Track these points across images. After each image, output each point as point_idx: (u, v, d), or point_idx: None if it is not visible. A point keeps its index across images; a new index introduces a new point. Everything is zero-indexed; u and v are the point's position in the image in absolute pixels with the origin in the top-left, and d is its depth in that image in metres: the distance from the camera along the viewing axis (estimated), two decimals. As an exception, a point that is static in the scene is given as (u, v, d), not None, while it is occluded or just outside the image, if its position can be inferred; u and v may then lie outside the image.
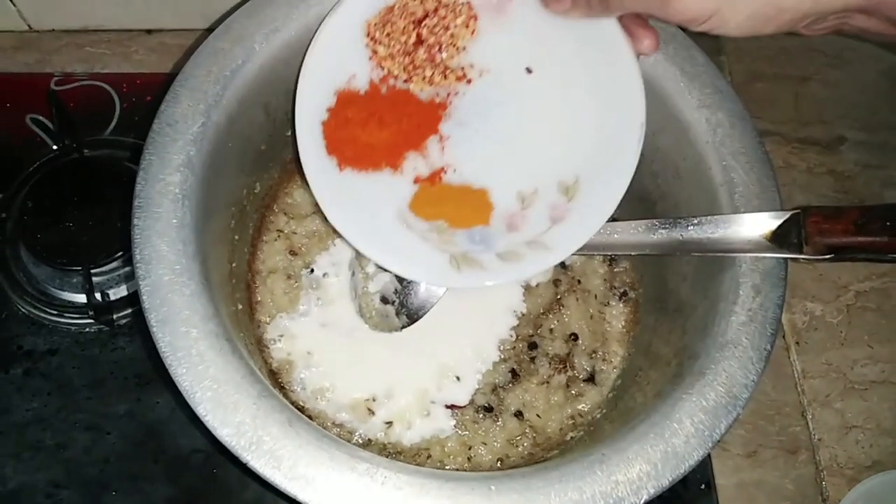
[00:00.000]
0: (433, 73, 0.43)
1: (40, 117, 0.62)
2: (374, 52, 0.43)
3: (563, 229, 0.43)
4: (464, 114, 0.43)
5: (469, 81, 0.43)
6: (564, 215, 0.43)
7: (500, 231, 0.44)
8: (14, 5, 0.63)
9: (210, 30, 0.44)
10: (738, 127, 0.45)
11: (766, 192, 0.43)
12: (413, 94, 0.43)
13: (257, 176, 0.50)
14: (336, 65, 0.42)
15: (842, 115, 0.69)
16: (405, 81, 0.43)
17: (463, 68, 0.43)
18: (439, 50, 0.42)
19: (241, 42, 0.43)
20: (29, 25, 0.66)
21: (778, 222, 0.41)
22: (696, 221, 0.43)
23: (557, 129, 0.43)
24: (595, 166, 0.42)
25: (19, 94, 0.63)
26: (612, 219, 0.54)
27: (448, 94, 0.43)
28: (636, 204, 0.51)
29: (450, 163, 0.44)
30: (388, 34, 0.42)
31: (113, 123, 0.62)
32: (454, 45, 0.43)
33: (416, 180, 0.44)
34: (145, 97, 0.63)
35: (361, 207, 0.43)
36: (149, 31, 0.67)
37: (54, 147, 0.60)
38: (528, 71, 0.42)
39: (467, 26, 0.42)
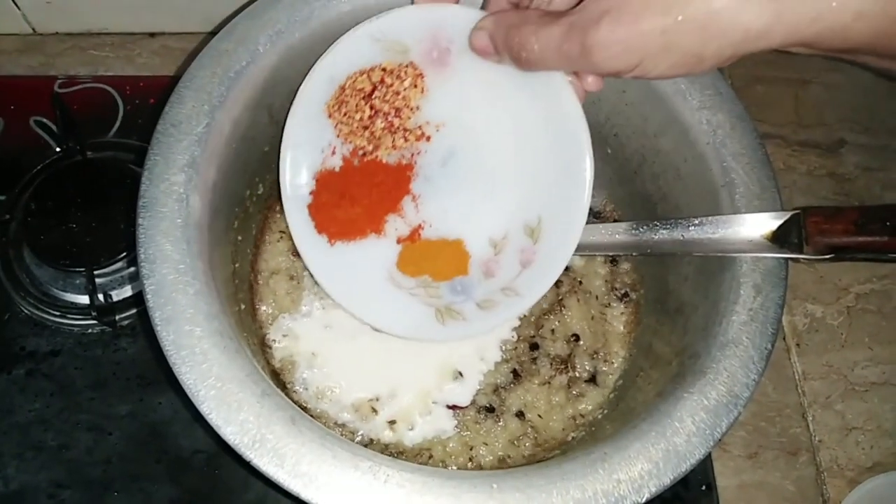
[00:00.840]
0: (394, 139, 0.45)
1: (44, 119, 0.62)
2: (339, 130, 0.45)
3: (531, 273, 0.45)
4: (429, 170, 0.45)
5: (428, 139, 0.45)
6: (532, 258, 0.44)
7: (478, 279, 0.47)
8: (18, 9, 0.63)
9: (212, 33, 0.45)
10: (739, 128, 0.45)
11: (767, 193, 0.43)
12: (382, 162, 0.46)
13: (260, 177, 0.50)
14: (310, 150, 0.45)
15: (842, 118, 0.69)
16: (373, 151, 0.45)
17: (420, 127, 0.44)
18: (395, 115, 0.44)
19: (245, 44, 0.43)
20: (33, 29, 0.66)
21: (778, 222, 0.41)
22: (697, 222, 0.43)
23: (517, 171, 0.44)
24: (554, 205, 0.43)
25: (23, 96, 0.63)
26: (615, 220, 0.54)
27: (412, 155, 0.46)
28: (638, 205, 0.52)
29: (425, 219, 0.47)
30: (345, 113, 0.44)
31: (116, 126, 0.62)
32: (408, 107, 0.44)
33: (399, 240, 0.47)
34: (148, 100, 0.64)
35: (355, 274, 0.47)
36: (152, 35, 0.67)
37: (58, 149, 0.60)
38: (481, 117, 0.44)
39: (416, 86, 0.44)
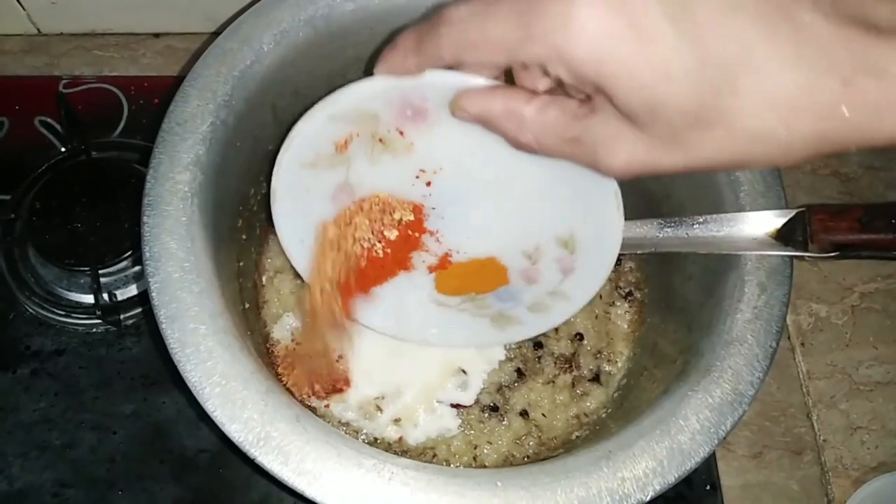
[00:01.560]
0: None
1: (49, 119, 0.62)
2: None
3: (575, 279, 0.44)
4: (440, 210, 0.43)
5: (429, 184, 0.41)
6: (572, 266, 0.43)
7: (521, 286, 0.46)
8: (23, 9, 0.64)
9: (216, 33, 0.45)
10: (743, 126, 0.45)
11: (771, 191, 0.43)
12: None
13: (265, 176, 0.50)
14: (308, 223, 0.44)
15: (846, 118, 0.69)
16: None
17: (417, 176, 0.41)
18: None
19: (250, 43, 0.43)
20: (38, 29, 0.66)
21: (783, 220, 0.41)
22: (701, 220, 0.43)
23: (533, 188, 0.41)
24: (584, 221, 0.41)
25: (28, 96, 0.63)
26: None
27: (417, 201, 0.43)
28: (641, 204, 0.52)
29: (450, 248, 0.45)
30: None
31: (121, 126, 0.63)
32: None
33: (431, 270, 0.46)
34: (153, 100, 0.64)
35: (399, 308, 0.47)
36: (156, 35, 0.68)
37: (63, 149, 0.61)
38: (479, 153, 0.40)
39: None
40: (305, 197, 0.42)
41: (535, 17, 0.27)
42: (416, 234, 0.44)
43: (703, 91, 0.25)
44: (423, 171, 0.41)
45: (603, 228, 0.40)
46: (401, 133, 0.38)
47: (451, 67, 0.32)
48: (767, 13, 0.25)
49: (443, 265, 0.46)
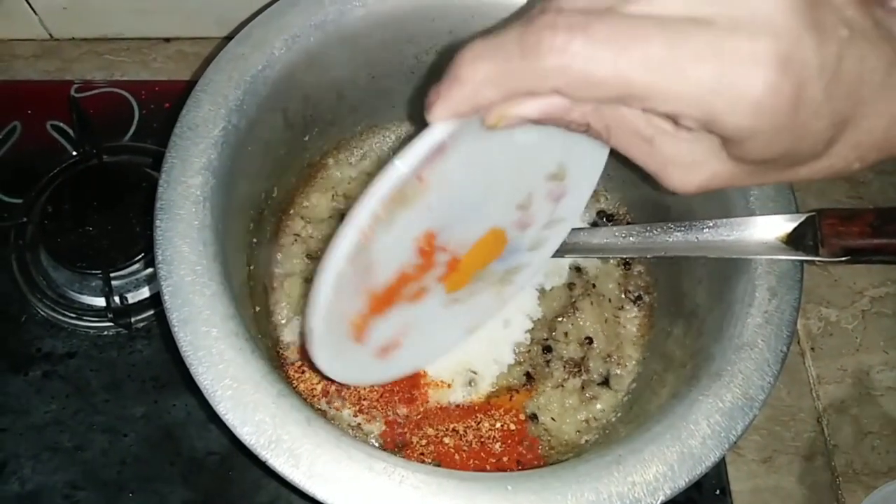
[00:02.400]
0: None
1: (61, 123, 0.63)
2: None
3: (567, 200, 0.41)
4: (445, 222, 0.37)
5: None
6: (564, 191, 0.41)
7: (518, 236, 0.43)
8: (36, 14, 0.64)
9: (227, 38, 0.45)
10: (753, 131, 0.45)
11: (781, 195, 0.43)
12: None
13: (275, 180, 0.50)
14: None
15: (855, 122, 0.69)
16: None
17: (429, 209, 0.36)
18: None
19: (261, 48, 0.44)
20: (50, 34, 0.67)
21: (793, 225, 0.41)
22: (711, 224, 0.43)
23: (519, 153, 0.37)
24: (569, 146, 0.38)
25: (40, 100, 0.64)
26: (628, 222, 0.54)
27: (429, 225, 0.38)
28: (651, 208, 0.52)
29: (456, 250, 0.40)
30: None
31: (132, 130, 0.63)
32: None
33: (440, 280, 0.41)
34: (164, 104, 0.64)
35: (420, 342, 0.42)
36: (167, 40, 0.68)
37: (74, 153, 0.61)
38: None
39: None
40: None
41: (692, 64, 0.23)
42: (431, 259, 0.39)
43: (819, 144, 0.25)
44: (432, 204, 0.35)
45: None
46: (419, 179, 0.32)
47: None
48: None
49: (452, 269, 0.41)
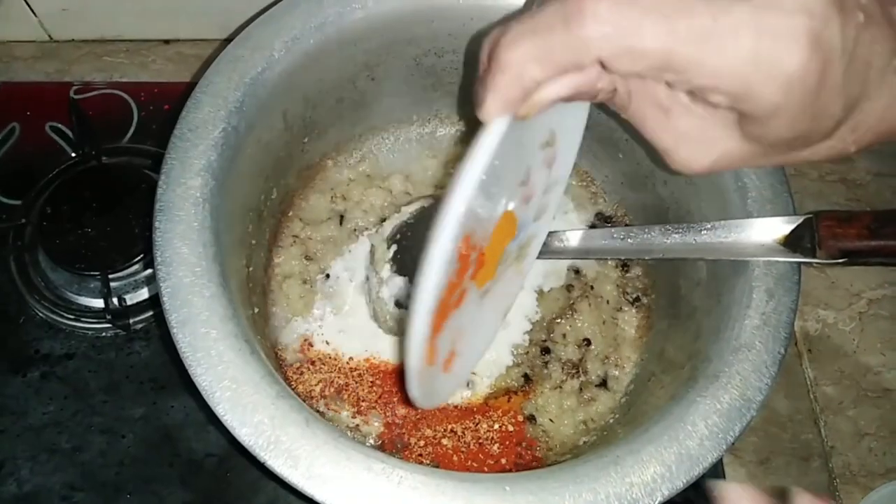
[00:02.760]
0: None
1: (60, 125, 0.63)
2: None
3: (558, 163, 0.41)
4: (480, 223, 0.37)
5: None
6: (555, 154, 0.40)
7: (524, 211, 0.42)
8: (35, 16, 0.64)
9: (227, 40, 0.45)
10: (751, 133, 0.45)
11: (779, 198, 0.43)
12: None
13: (274, 182, 0.50)
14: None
15: (852, 124, 0.69)
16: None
17: None
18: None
19: (261, 50, 0.44)
20: (49, 35, 0.67)
21: (791, 227, 0.41)
22: (709, 226, 0.43)
23: (523, 131, 0.35)
24: (559, 112, 0.34)
25: (40, 102, 0.64)
26: (626, 224, 0.54)
27: None
28: (650, 210, 0.52)
29: (482, 244, 0.38)
30: None
31: (131, 131, 0.63)
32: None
33: (472, 278, 0.39)
34: (163, 106, 0.64)
35: (469, 347, 0.42)
36: (166, 42, 0.68)
37: (73, 154, 0.61)
38: None
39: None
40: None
41: (732, 37, 0.23)
42: (467, 261, 0.38)
43: (831, 125, 0.26)
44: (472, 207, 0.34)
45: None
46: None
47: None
48: None
49: (480, 265, 0.40)
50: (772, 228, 0.42)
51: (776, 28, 0.23)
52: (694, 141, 0.28)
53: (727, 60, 0.23)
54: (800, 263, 0.41)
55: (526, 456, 0.49)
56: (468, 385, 0.50)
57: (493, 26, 0.27)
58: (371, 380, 0.50)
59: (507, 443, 0.49)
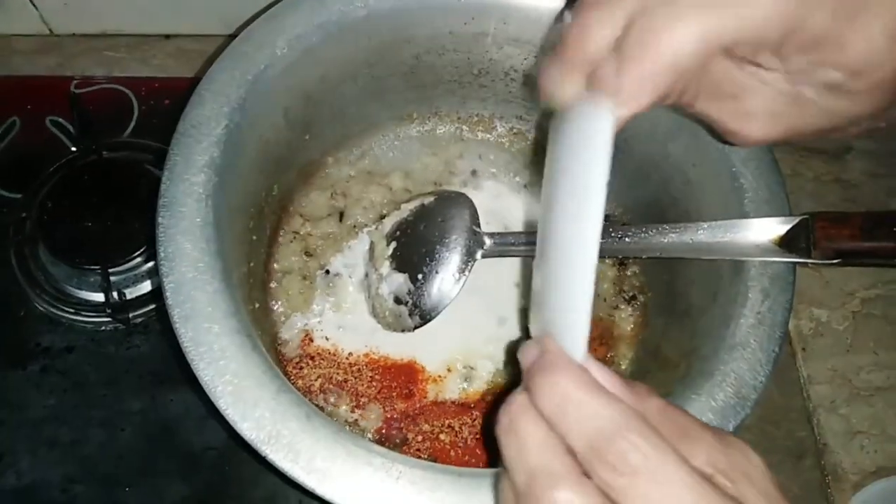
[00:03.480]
0: None
1: (60, 119, 0.63)
2: None
3: None
4: None
5: None
6: None
7: None
8: (36, 9, 0.64)
9: (229, 36, 0.46)
10: (748, 134, 0.45)
11: (775, 198, 0.44)
12: None
13: (275, 178, 0.51)
14: None
15: (848, 125, 0.69)
16: None
17: None
18: None
19: (264, 47, 0.44)
20: (50, 29, 0.67)
21: (787, 227, 0.41)
22: (705, 226, 0.43)
23: None
24: None
25: (40, 96, 0.64)
26: (623, 223, 0.55)
27: None
28: (647, 209, 0.52)
29: None
30: None
31: (131, 126, 0.63)
32: None
33: None
34: (163, 101, 0.64)
35: None
36: (167, 37, 0.68)
37: (73, 148, 0.61)
38: None
39: None
40: None
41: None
42: None
43: None
44: None
45: None
46: None
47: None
48: None
49: None
50: (768, 229, 0.42)
51: None
52: (765, 115, 0.30)
53: (870, 37, 0.26)
54: (795, 263, 0.42)
55: (523, 451, 0.49)
56: (465, 380, 0.51)
57: None
58: (370, 375, 0.51)
59: (505, 438, 0.49)
